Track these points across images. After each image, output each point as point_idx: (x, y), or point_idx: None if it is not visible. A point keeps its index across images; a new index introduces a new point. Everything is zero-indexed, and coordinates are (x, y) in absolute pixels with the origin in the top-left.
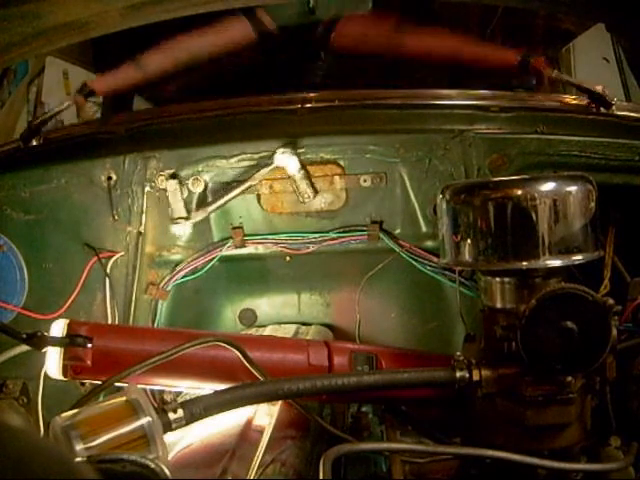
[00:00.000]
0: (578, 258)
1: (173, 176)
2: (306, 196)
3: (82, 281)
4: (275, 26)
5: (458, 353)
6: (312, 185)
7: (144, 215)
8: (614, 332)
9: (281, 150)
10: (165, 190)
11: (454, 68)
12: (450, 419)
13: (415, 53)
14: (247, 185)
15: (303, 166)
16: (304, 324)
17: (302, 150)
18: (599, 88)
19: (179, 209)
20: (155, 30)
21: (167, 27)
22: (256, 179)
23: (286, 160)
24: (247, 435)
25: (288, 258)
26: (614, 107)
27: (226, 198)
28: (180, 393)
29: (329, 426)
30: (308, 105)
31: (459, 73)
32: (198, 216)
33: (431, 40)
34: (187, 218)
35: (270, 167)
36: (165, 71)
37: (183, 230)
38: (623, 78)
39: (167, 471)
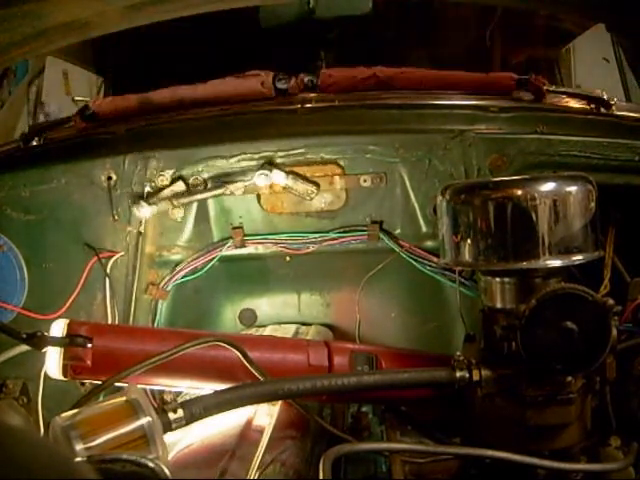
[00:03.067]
0: (578, 258)
1: (179, 177)
2: (309, 193)
3: (82, 281)
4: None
5: (458, 353)
6: (310, 181)
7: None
8: (614, 332)
9: (258, 173)
10: (164, 187)
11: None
12: (450, 419)
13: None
14: (218, 192)
15: (288, 172)
16: (304, 324)
17: (302, 150)
18: (598, 92)
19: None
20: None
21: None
22: (227, 190)
23: (267, 180)
24: (247, 435)
25: (288, 258)
26: (614, 107)
27: (199, 196)
28: (180, 393)
29: (329, 426)
30: (308, 105)
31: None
32: (165, 205)
33: (421, 81)
34: (152, 204)
35: (245, 184)
36: (169, 109)
37: (183, 230)
38: (623, 78)
39: (167, 471)
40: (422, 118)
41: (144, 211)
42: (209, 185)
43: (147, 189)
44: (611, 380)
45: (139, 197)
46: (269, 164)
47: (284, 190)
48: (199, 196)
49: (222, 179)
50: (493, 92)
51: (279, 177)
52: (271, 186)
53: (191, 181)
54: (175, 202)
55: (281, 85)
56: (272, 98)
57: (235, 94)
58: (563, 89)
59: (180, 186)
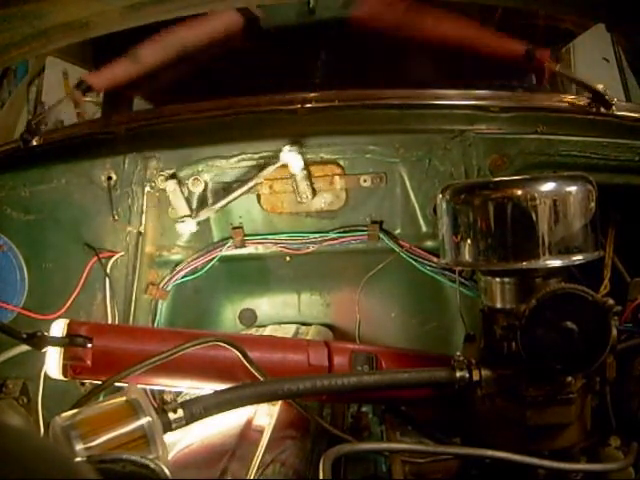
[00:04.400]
0: (578, 258)
1: (172, 176)
2: (304, 196)
3: (82, 281)
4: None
5: (458, 353)
6: (312, 186)
7: (144, 215)
8: (614, 332)
9: (288, 148)
10: (165, 190)
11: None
12: (450, 419)
13: (427, 33)
14: (251, 184)
15: (306, 167)
16: (304, 324)
17: (302, 150)
18: (600, 87)
19: (182, 207)
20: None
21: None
22: (260, 178)
23: (292, 158)
24: (247, 435)
25: (288, 258)
26: (614, 107)
27: (229, 198)
28: (180, 393)
29: (329, 426)
30: (308, 105)
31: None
32: (203, 215)
33: (443, 22)
34: (191, 216)
35: (275, 165)
36: (160, 62)
37: (183, 230)
38: (623, 78)
39: (167, 471)
40: (422, 118)
41: (190, 226)
42: (211, 187)
43: (147, 189)
44: (611, 380)
45: (184, 214)
46: (301, 145)
47: (287, 180)
48: (235, 194)
49: (223, 180)
50: (505, 53)
51: (298, 162)
52: (271, 186)
53: (191, 182)
54: (216, 208)
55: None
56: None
57: (211, 28)
58: (567, 72)
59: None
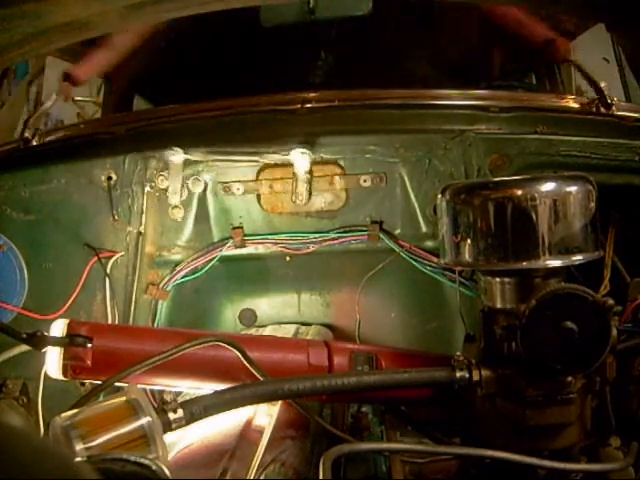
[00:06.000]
0: (578, 258)
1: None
2: (300, 198)
3: (82, 281)
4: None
5: (458, 353)
6: (309, 190)
7: (144, 215)
8: (614, 332)
9: (301, 150)
10: (165, 190)
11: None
12: (450, 419)
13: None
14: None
15: (310, 171)
16: (304, 324)
17: (302, 150)
18: (603, 85)
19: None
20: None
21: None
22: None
23: (300, 159)
24: (247, 435)
25: (288, 258)
26: (614, 107)
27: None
28: (180, 393)
29: (329, 426)
30: (308, 105)
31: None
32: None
33: None
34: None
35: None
36: (133, 47)
37: (183, 230)
38: (623, 78)
39: (167, 471)
40: (422, 118)
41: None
42: (211, 187)
43: (147, 189)
44: (611, 380)
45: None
46: (312, 145)
47: (287, 181)
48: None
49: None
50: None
51: (305, 164)
52: (271, 186)
53: (191, 182)
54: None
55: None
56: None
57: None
58: (578, 63)
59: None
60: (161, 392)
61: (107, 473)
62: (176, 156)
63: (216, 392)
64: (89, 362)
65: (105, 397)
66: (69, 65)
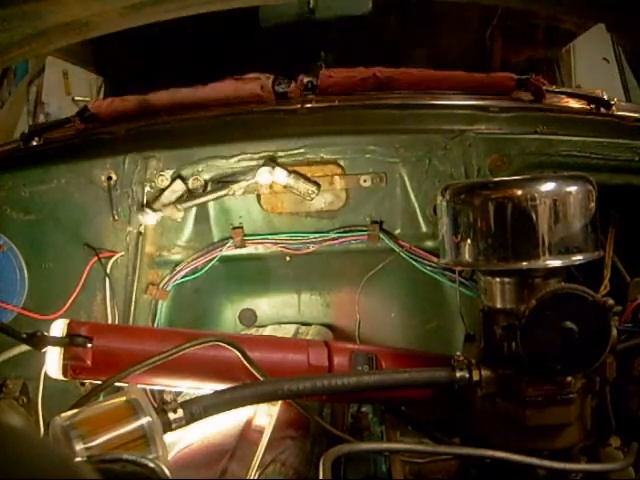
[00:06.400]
0: (578, 258)
1: (179, 176)
2: (310, 193)
3: (82, 281)
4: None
5: (458, 353)
6: (311, 181)
7: (140, 209)
8: (614, 332)
9: (261, 169)
10: (165, 189)
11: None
12: (450, 419)
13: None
14: (224, 192)
15: (290, 171)
16: (304, 324)
17: (302, 150)
18: (598, 92)
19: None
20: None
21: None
22: (231, 190)
23: (270, 177)
24: (247, 435)
25: (288, 258)
26: (614, 107)
27: (203, 199)
28: (180, 393)
29: (329, 426)
30: (308, 105)
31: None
32: (169, 212)
33: (421, 82)
34: (157, 210)
35: (251, 180)
36: (168, 110)
37: (183, 230)
38: (623, 78)
39: (167, 471)
40: (422, 118)
41: (149, 218)
42: (210, 187)
43: (147, 189)
44: (611, 380)
45: (143, 204)
46: (272, 161)
47: (285, 189)
48: (202, 199)
49: (223, 180)
50: (493, 92)
51: (281, 175)
52: (271, 186)
53: (191, 181)
54: (179, 207)
55: (281, 89)
56: (272, 102)
57: (234, 97)
58: (562, 89)
59: (181, 188)
60: (161, 392)
61: (107, 473)
62: (148, 217)
63: (216, 392)
64: (89, 362)
65: (105, 397)
66: (69, 65)
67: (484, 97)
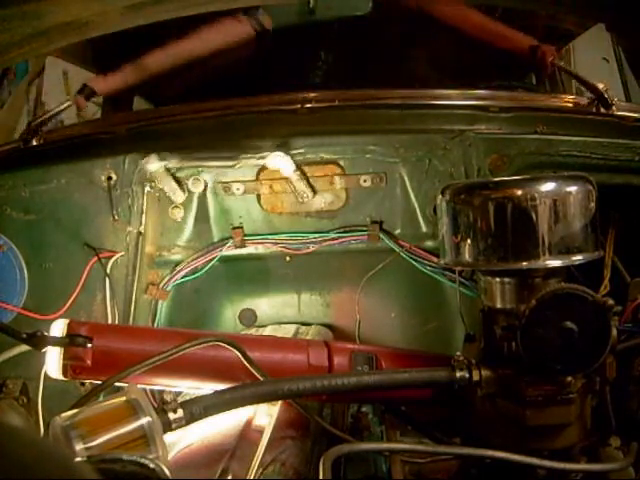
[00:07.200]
0: (578, 258)
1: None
2: (305, 195)
3: (82, 281)
4: (271, 25)
5: (458, 353)
6: (310, 185)
7: (144, 215)
8: (614, 332)
9: (274, 154)
10: (165, 190)
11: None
12: (450, 419)
13: (441, 16)
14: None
15: (298, 167)
16: (304, 324)
17: (302, 150)
18: (601, 86)
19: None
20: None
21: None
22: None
23: (279, 162)
24: (247, 435)
25: (288, 258)
26: (614, 107)
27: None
28: (180, 393)
29: (329, 426)
30: (308, 105)
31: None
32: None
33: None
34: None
35: (260, 162)
36: (165, 71)
37: (183, 230)
38: (623, 78)
39: (167, 471)
40: (422, 118)
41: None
42: (210, 187)
43: (147, 189)
44: (611, 380)
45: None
46: (286, 147)
47: (285, 182)
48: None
49: (223, 180)
50: (509, 47)
51: (289, 166)
52: (271, 186)
53: (191, 182)
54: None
55: (257, 25)
56: (251, 36)
57: (220, 41)
58: (570, 69)
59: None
60: (161, 392)
61: (107, 473)
62: (152, 164)
63: (216, 392)
64: (89, 362)
65: (105, 397)
66: (69, 65)
67: (484, 97)
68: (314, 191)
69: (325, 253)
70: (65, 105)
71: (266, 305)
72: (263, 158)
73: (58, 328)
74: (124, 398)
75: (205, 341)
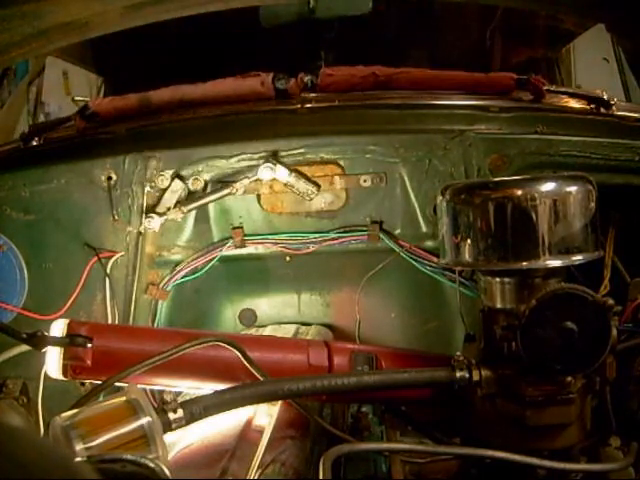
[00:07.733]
0: (578, 258)
1: (178, 176)
2: (310, 193)
3: (82, 281)
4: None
5: (458, 353)
6: (311, 181)
7: (144, 215)
8: (614, 332)
9: (263, 166)
10: (165, 189)
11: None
12: (450, 419)
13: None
14: (227, 192)
15: (291, 169)
16: (304, 324)
17: (302, 150)
18: (598, 92)
19: (169, 203)
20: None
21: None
22: (233, 188)
23: (272, 173)
24: (247, 435)
25: (288, 258)
26: (614, 107)
27: (206, 200)
28: (180, 393)
29: (329, 426)
30: (308, 105)
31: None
32: (174, 214)
33: (420, 81)
34: (163, 214)
35: (252, 179)
36: (169, 108)
37: (183, 230)
38: (623, 78)
39: (167, 471)
40: (422, 118)
41: (154, 223)
42: (210, 187)
43: (147, 189)
44: (611, 380)
45: (146, 210)
46: (274, 157)
47: (286, 187)
48: (203, 200)
49: (223, 180)
50: (493, 92)
51: (283, 173)
52: (271, 186)
53: (191, 182)
54: (184, 209)
55: (280, 85)
56: (272, 98)
57: (235, 94)
58: (563, 89)
59: (181, 188)
60: (161, 392)
61: (107, 473)
62: (154, 221)
63: (216, 392)
64: (89, 362)
65: (105, 397)
66: (69, 65)
67: (484, 97)
68: (318, 185)
69: (325, 253)
70: (65, 118)
71: (266, 305)
72: (262, 158)
73: (58, 328)
74: (124, 398)
75: (205, 341)
